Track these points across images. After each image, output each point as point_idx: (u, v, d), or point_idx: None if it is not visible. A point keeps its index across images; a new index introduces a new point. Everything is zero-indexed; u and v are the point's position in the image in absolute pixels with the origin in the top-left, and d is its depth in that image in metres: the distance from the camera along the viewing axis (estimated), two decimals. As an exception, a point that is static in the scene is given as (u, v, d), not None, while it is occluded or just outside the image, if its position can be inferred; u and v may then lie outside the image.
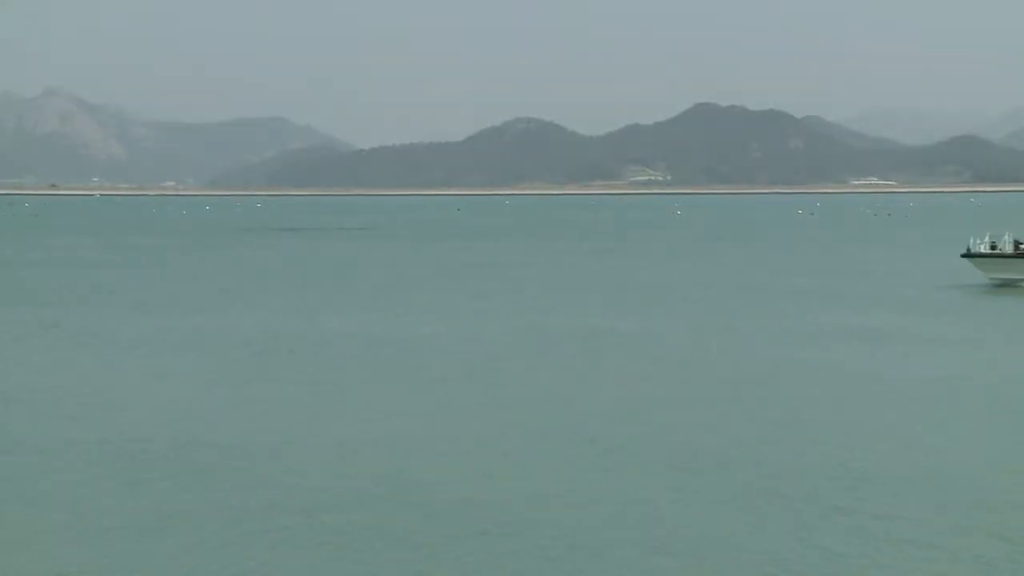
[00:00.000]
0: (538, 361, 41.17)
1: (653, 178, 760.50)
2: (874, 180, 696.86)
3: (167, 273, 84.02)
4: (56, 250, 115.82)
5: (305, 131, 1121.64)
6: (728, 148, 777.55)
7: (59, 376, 38.53)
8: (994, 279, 66.22)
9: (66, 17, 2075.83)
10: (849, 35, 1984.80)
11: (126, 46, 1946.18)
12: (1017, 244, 67.17)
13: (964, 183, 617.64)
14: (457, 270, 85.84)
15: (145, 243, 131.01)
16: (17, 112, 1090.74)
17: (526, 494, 23.40)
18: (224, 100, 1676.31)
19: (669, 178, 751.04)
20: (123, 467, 26.04)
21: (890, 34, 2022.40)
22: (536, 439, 28.43)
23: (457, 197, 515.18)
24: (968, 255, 67.84)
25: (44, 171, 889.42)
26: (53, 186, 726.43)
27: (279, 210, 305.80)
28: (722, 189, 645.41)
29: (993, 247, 67.37)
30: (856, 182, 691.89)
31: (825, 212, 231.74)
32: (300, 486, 24.10)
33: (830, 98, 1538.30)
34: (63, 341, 47.07)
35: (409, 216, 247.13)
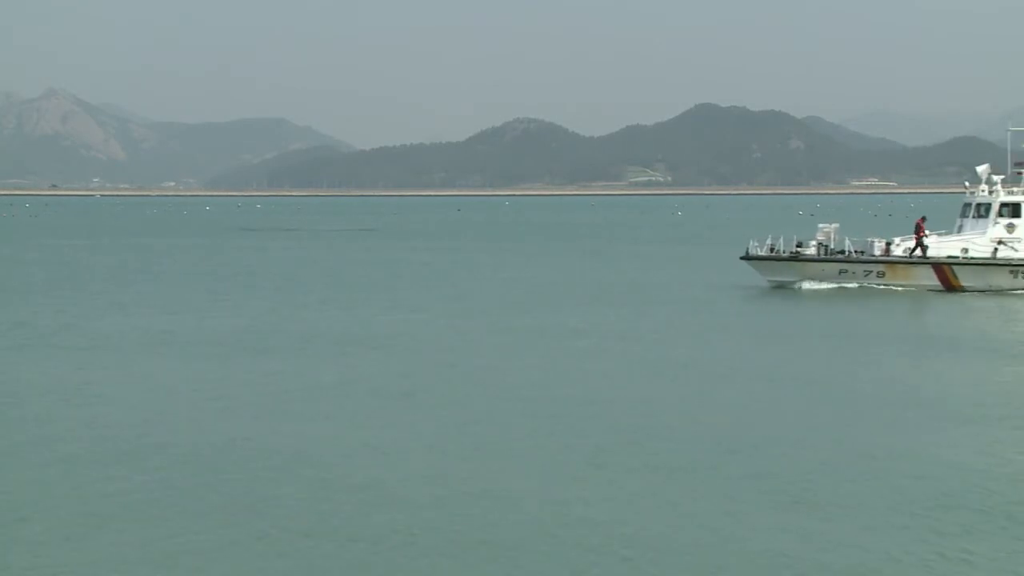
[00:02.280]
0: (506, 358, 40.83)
1: (653, 179, 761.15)
2: (875, 181, 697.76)
3: (160, 271, 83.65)
4: (50, 250, 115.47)
5: (305, 132, 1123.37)
6: (729, 149, 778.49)
7: (26, 373, 38.44)
8: (772, 281, 65.94)
9: (67, 18, 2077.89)
10: (850, 35, 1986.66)
11: (127, 47, 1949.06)
12: (799, 245, 66.75)
13: (965, 184, 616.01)
14: (447, 270, 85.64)
15: (144, 243, 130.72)
16: (18, 112, 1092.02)
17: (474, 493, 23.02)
18: (224, 101, 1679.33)
19: (670, 179, 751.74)
20: (87, 463, 25.75)
21: (891, 34, 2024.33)
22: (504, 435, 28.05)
23: (457, 198, 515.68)
24: (746, 257, 67.45)
25: (45, 172, 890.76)
26: (53, 187, 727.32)
27: (279, 211, 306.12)
28: (723, 190, 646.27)
29: (772, 249, 66.86)
30: (857, 183, 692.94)
31: (826, 213, 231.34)
32: (267, 483, 23.74)
33: (831, 98, 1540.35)
34: (36, 339, 46.88)
35: (410, 216, 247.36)
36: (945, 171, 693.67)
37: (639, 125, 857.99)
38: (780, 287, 65.31)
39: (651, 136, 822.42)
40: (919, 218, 66.84)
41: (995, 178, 66.66)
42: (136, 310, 57.36)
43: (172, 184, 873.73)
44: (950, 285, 64.04)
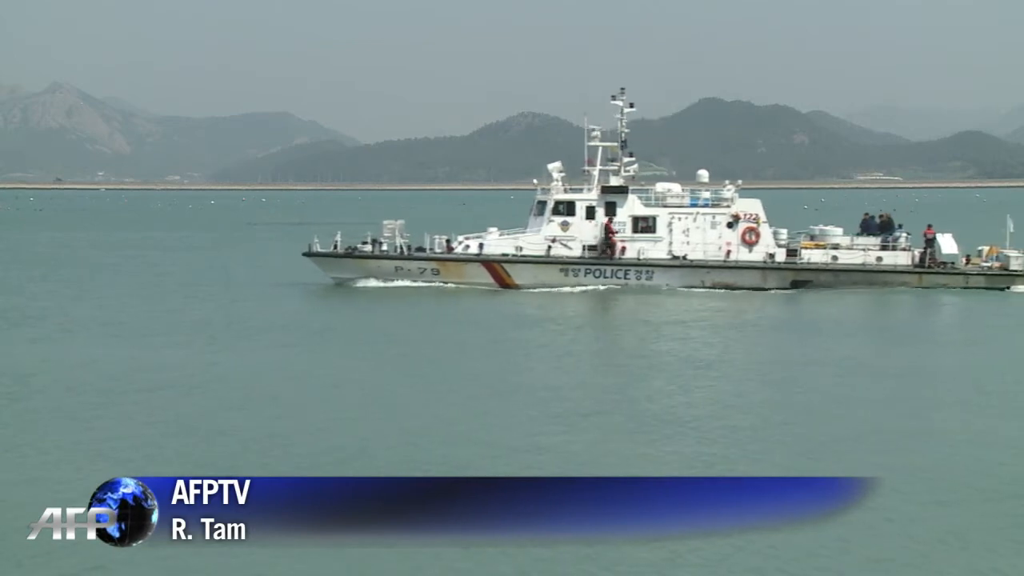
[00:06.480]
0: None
1: (658, 173, 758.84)
2: (880, 175, 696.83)
3: (150, 266, 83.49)
4: (45, 245, 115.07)
5: (310, 126, 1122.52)
6: (733, 143, 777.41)
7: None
8: (334, 278, 65.76)
9: (72, 11, 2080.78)
10: (854, 30, 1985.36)
11: (132, 41, 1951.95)
12: (366, 242, 66.28)
13: (970, 179, 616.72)
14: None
15: (141, 237, 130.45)
16: (23, 106, 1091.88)
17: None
18: (229, 95, 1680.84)
19: (674, 173, 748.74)
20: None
21: (895, 28, 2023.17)
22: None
23: (462, 192, 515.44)
24: (308, 254, 67.01)
25: (49, 165, 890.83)
26: (58, 180, 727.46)
27: (283, 205, 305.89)
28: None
29: (336, 246, 66.38)
30: (861, 177, 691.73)
31: (829, 207, 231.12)
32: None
33: (836, 93, 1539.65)
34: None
35: (414, 211, 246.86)
36: (950, 166, 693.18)
37: (643, 120, 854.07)
38: (341, 284, 64.92)
39: (656, 131, 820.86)
40: (606, 219, 66.46)
41: (556, 176, 67.91)
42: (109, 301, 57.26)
43: (177, 178, 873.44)
44: (504, 283, 64.37)
